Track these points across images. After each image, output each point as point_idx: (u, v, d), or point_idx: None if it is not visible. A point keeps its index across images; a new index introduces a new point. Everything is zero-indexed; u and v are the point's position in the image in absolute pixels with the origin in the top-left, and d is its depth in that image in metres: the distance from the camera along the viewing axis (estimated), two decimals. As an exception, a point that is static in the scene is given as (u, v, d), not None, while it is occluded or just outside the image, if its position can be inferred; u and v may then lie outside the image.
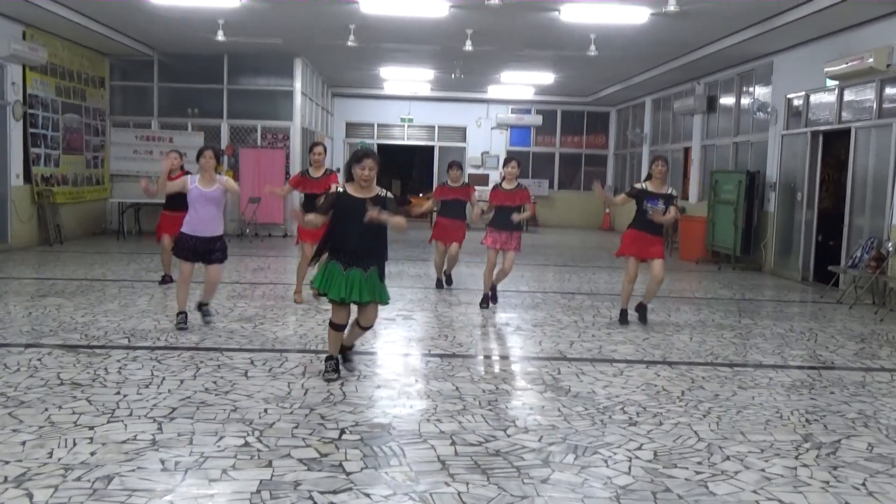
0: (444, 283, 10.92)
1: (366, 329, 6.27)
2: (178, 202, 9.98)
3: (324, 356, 6.29)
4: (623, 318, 8.80)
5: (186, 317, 7.82)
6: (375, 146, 24.88)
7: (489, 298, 9.62)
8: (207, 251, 7.69)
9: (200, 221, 7.66)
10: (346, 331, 6.14)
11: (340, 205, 5.92)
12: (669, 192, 8.63)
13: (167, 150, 17.48)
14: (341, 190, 5.97)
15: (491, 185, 13.10)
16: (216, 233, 7.75)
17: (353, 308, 6.07)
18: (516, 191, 9.46)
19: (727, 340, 8.12)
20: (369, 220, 5.72)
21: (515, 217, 9.31)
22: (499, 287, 10.51)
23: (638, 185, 8.84)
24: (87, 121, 16.75)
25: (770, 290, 12.31)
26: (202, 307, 8.02)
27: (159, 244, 10.45)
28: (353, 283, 5.86)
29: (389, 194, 6.07)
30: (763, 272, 14.31)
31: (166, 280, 10.45)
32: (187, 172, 10.18)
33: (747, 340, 8.19)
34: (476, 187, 11.46)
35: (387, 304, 6.19)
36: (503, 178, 9.61)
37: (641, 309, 8.84)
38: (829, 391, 6.26)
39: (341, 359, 6.24)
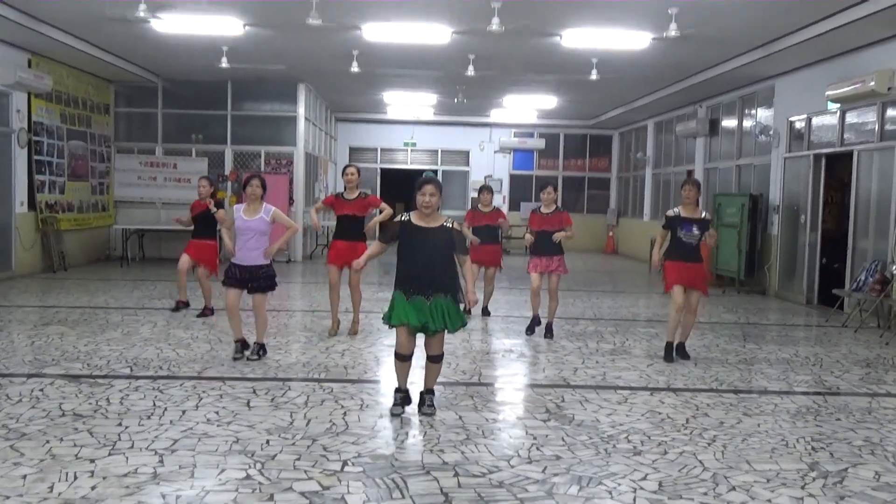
0: (481, 312, 10.80)
1: (434, 361, 6.01)
2: (201, 230, 10.24)
3: (330, 385, 6.25)
4: (668, 354, 8.28)
5: (244, 344, 7.74)
6: (379, 170, 24.99)
7: (536, 323, 9.51)
8: (250, 279, 7.61)
9: (242, 250, 7.58)
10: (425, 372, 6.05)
11: (405, 234, 5.85)
12: (704, 216, 8.31)
13: (171, 176, 17.68)
14: (405, 219, 5.89)
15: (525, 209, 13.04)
16: (258, 262, 7.61)
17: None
18: (555, 214, 9.45)
19: (732, 366, 8.07)
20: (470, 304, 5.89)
21: (557, 236, 9.32)
22: (491, 309, 10.57)
23: (670, 213, 8.44)
24: (93, 147, 16.82)
25: (774, 313, 12.27)
26: (255, 344, 7.79)
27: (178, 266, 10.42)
28: (415, 310, 5.77)
29: (455, 224, 5.93)
30: (767, 295, 14.27)
31: (180, 307, 10.40)
32: (217, 199, 10.36)
33: (752, 366, 8.15)
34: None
35: (457, 330, 5.93)
36: (542, 204, 9.59)
37: (681, 348, 8.38)
38: (835, 418, 6.21)
39: (420, 401, 6.04)
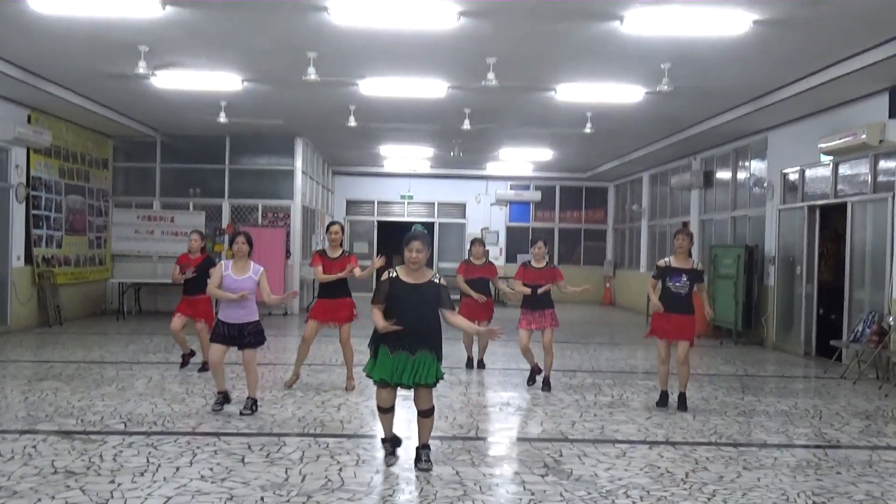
0: (476, 365, 10.79)
1: (425, 415, 5.97)
2: (194, 285, 9.96)
3: (326, 440, 6.19)
4: (661, 401, 8.49)
5: (225, 397, 7.75)
6: (376, 223, 25.08)
7: (536, 372, 9.52)
8: (238, 336, 7.58)
9: (229, 308, 7.56)
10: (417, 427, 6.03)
11: (393, 290, 5.87)
12: (695, 266, 8.38)
13: (169, 229, 17.70)
14: (394, 275, 5.90)
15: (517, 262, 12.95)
16: (246, 319, 7.59)
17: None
18: (546, 269, 9.43)
19: (731, 418, 8.02)
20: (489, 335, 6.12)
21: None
22: (487, 361, 10.54)
23: (661, 263, 8.57)
24: (91, 201, 16.89)
25: (772, 365, 12.22)
26: (248, 400, 7.74)
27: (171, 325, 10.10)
28: (397, 366, 5.80)
29: (443, 281, 5.95)
30: (765, 347, 14.23)
31: (186, 360, 10.18)
32: (207, 255, 10.24)
33: (751, 418, 8.09)
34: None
35: (434, 384, 5.90)
36: (532, 258, 9.57)
37: (681, 398, 8.43)
38: (836, 471, 6.16)
39: (416, 457, 6.00)
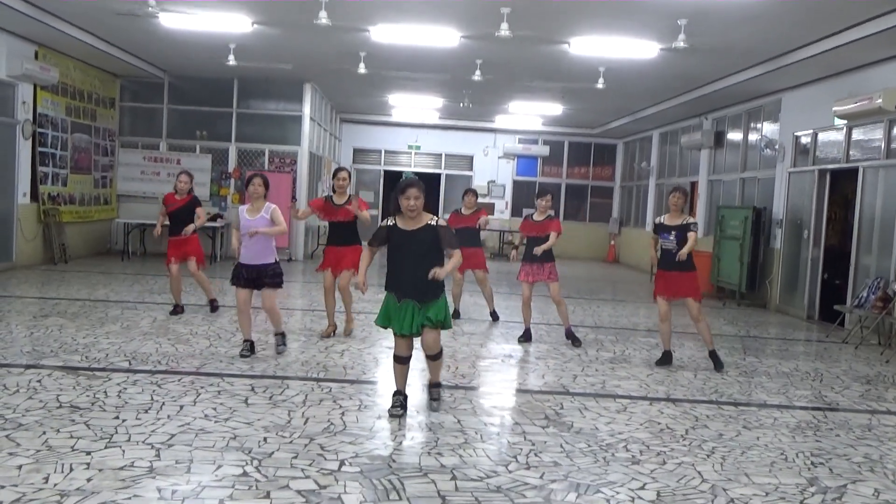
0: (492, 318, 10.86)
1: (432, 358, 6.08)
2: (176, 226, 9.80)
3: (329, 384, 6.23)
4: (662, 360, 8.52)
5: (251, 346, 7.73)
6: (382, 172, 24.98)
7: (528, 336, 9.48)
8: (257, 278, 7.58)
9: (248, 250, 7.55)
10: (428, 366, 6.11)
11: (392, 239, 5.87)
12: (684, 222, 8.35)
13: (175, 171, 17.63)
14: (391, 223, 5.89)
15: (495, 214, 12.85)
16: (264, 260, 7.57)
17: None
18: (545, 221, 9.38)
19: (732, 378, 8.04)
20: (434, 278, 5.75)
21: (538, 250, 9.22)
22: (498, 314, 10.56)
23: (657, 220, 8.62)
24: (97, 141, 16.82)
25: (775, 327, 12.24)
26: (276, 336, 7.93)
27: (168, 272, 9.99)
28: (405, 315, 5.83)
29: (441, 221, 5.93)
30: (768, 309, 14.24)
31: (177, 311, 9.93)
32: (193, 196, 10.12)
33: (752, 379, 8.12)
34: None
35: (440, 325, 5.95)
36: (536, 210, 9.54)
37: (713, 356, 8.47)
38: (835, 433, 6.19)
39: (428, 395, 6.18)
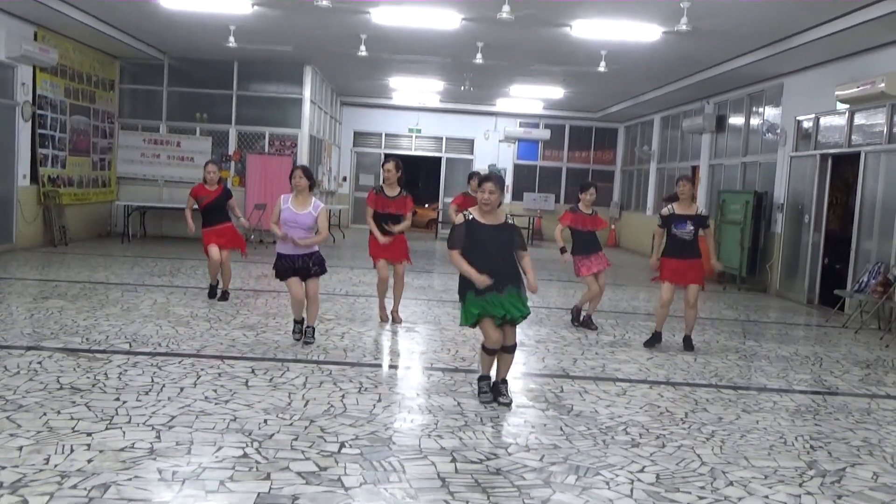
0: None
1: (508, 351, 6.02)
2: (218, 216, 9.70)
3: (329, 367, 6.21)
4: (651, 340, 8.58)
5: (302, 325, 7.72)
6: (383, 156, 24.88)
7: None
8: (305, 266, 7.51)
9: (290, 241, 7.43)
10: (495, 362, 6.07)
11: (471, 233, 5.84)
12: (699, 211, 8.41)
13: (174, 154, 17.61)
14: (470, 217, 5.87)
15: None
16: (308, 250, 7.50)
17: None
18: (596, 216, 9.46)
19: (731, 362, 8.05)
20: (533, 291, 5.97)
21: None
22: None
23: (664, 211, 8.51)
24: (96, 123, 16.77)
25: (775, 311, 12.25)
26: (307, 329, 7.71)
27: (207, 255, 9.74)
28: (493, 304, 5.78)
29: (515, 221, 6.04)
30: (768, 293, 14.24)
31: (214, 293, 9.81)
32: (224, 186, 10.01)
33: (752, 363, 8.13)
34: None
35: (525, 316, 5.97)
36: (579, 202, 9.46)
37: (687, 340, 8.58)
38: (834, 417, 6.20)
39: (498, 392, 6.04)
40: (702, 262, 8.48)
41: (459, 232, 5.88)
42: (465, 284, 5.87)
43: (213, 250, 9.63)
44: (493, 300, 5.77)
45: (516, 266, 5.95)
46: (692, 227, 8.28)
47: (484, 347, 6.00)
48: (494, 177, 5.91)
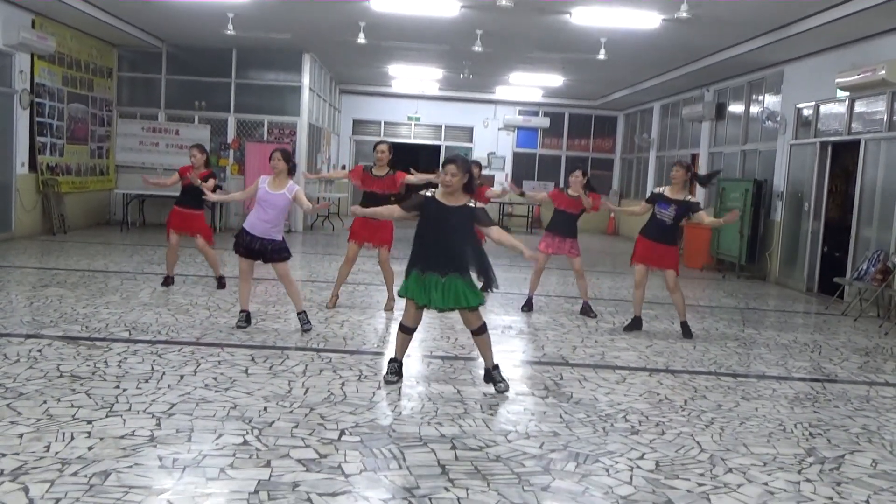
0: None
1: (477, 333, 6.00)
2: (189, 198, 9.61)
3: (329, 355, 6.23)
4: (632, 325, 8.66)
5: (248, 316, 7.69)
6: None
7: (529, 306, 9.44)
8: (261, 252, 7.49)
9: (258, 220, 7.46)
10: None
11: (427, 210, 5.82)
12: (686, 198, 8.33)
13: (173, 142, 17.55)
14: (430, 194, 5.85)
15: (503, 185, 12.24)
16: (269, 236, 7.48)
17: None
18: (580, 198, 9.12)
19: (731, 350, 8.06)
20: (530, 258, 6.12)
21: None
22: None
23: (657, 189, 8.65)
24: (94, 111, 16.72)
25: (774, 299, 12.26)
26: (298, 315, 7.72)
27: (168, 241, 9.83)
28: (428, 288, 5.78)
29: (479, 204, 5.91)
30: (767, 281, 14.25)
31: (168, 282, 9.81)
32: (212, 171, 9.97)
33: (751, 350, 8.14)
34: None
35: (478, 306, 5.88)
36: (568, 185, 9.37)
37: (684, 326, 8.58)
38: (833, 405, 6.21)
39: (490, 380, 6.00)
40: (676, 251, 8.56)
41: (415, 200, 5.87)
42: (414, 262, 5.88)
43: (172, 237, 9.67)
44: (429, 282, 5.76)
45: (467, 256, 5.84)
46: (673, 213, 8.28)
47: (401, 325, 6.00)
48: (459, 159, 5.84)
